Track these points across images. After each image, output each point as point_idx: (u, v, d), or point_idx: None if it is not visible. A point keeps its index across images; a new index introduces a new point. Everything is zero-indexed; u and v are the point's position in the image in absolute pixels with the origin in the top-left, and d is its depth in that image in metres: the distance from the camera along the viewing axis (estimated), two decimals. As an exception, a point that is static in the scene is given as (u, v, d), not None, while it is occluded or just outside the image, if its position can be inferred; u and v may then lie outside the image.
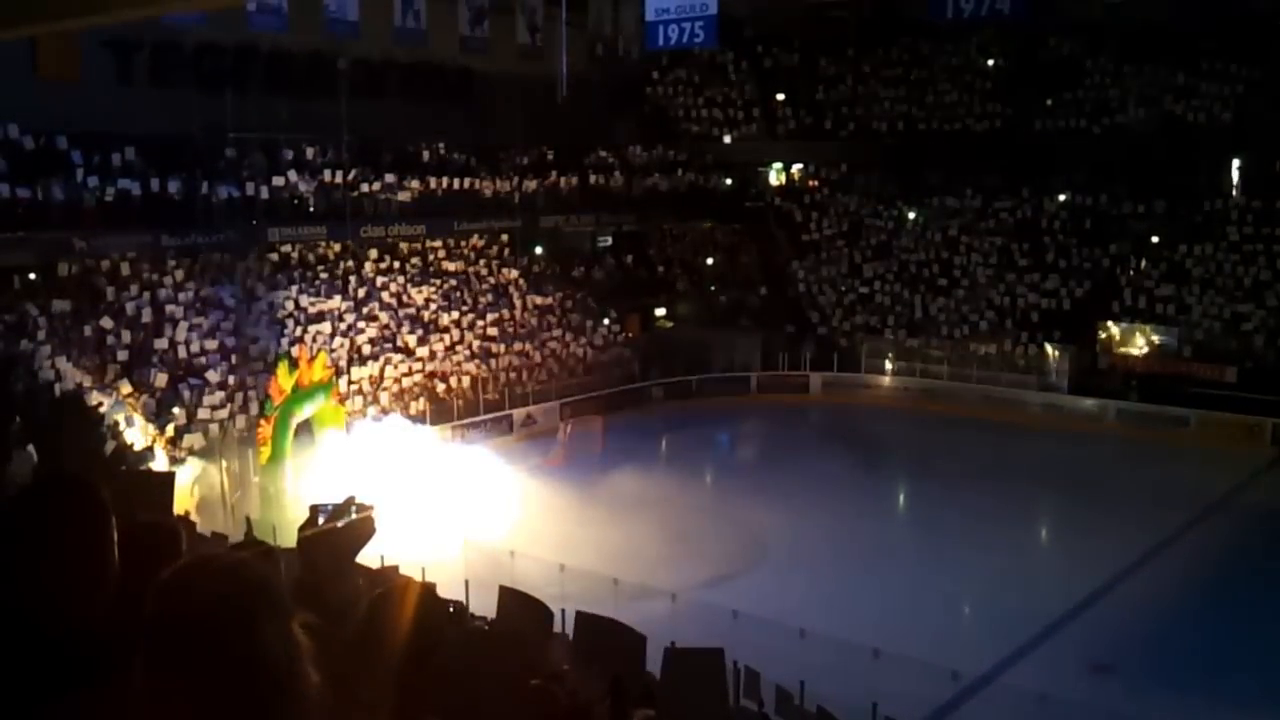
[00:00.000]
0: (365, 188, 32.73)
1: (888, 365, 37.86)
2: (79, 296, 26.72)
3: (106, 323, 26.30)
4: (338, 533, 2.79)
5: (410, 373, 30.78)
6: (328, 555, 2.75)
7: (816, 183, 45.20)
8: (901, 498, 29.61)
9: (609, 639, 12.05)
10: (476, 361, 32.60)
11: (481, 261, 37.13)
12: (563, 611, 13.46)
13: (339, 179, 32.01)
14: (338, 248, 33.14)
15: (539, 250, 39.44)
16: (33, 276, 26.49)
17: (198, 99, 29.47)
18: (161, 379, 25.86)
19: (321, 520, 2.79)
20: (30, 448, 21.62)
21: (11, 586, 1.91)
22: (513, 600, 12.53)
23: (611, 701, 8.92)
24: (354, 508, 2.82)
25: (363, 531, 2.83)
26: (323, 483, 21.18)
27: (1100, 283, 37.23)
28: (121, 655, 1.67)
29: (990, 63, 43.20)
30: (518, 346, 34.17)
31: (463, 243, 37.07)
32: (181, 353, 26.93)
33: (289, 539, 2.98)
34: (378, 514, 2.86)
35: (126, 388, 25.05)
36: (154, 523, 2.34)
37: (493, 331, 34.15)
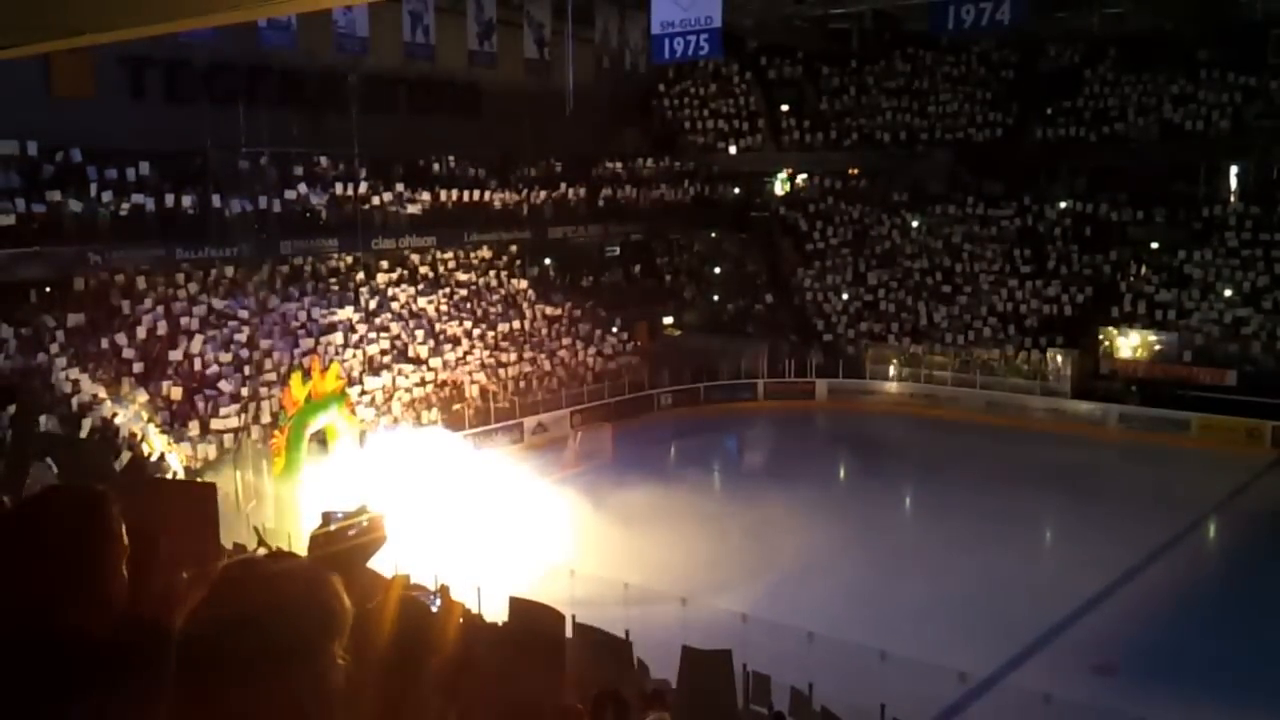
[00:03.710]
0: (376, 200, 33.10)
1: (892, 371, 38.14)
2: (94, 310, 27.08)
3: (121, 336, 26.68)
4: (349, 540, 2.89)
5: (422, 383, 31.14)
6: (339, 562, 2.77)
7: (824, 183, 45.53)
8: (906, 502, 29.81)
9: (598, 645, 12.29)
10: (487, 371, 32.96)
11: (491, 272, 37.54)
12: (573, 617, 13.83)
13: (350, 192, 32.37)
14: (349, 260, 33.50)
15: (548, 261, 39.79)
16: (48, 290, 26.81)
17: (210, 114, 29.79)
18: (176, 391, 26.25)
19: (333, 527, 2.92)
20: (49, 460, 21.98)
21: (11, 594, 1.89)
22: (528, 611, 12.79)
23: (614, 714, 8.84)
24: (365, 515, 2.97)
25: (374, 539, 2.93)
26: (337, 492, 21.51)
27: (1101, 288, 37.50)
28: (130, 665, 1.71)
29: (990, 72, 43.55)
30: (528, 355, 34.53)
31: (473, 254, 37.45)
32: (196, 365, 27.31)
33: (302, 548, 3.15)
34: (389, 522, 3.02)
35: (142, 399, 25.43)
36: (132, 529, 2.23)
37: (503, 341, 34.53)
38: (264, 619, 1.57)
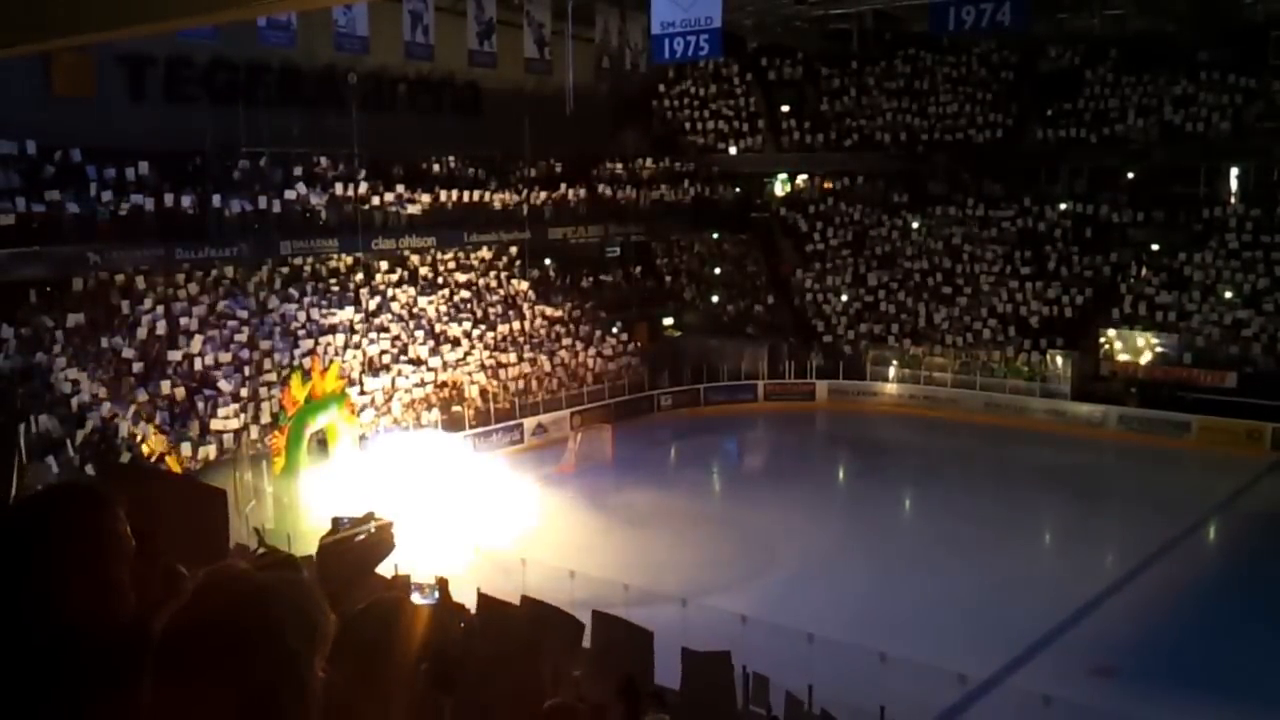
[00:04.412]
0: (376, 201, 33.09)
1: (892, 373, 38.12)
2: (93, 310, 27.05)
3: (120, 336, 26.66)
4: (357, 545, 2.90)
5: (422, 384, 31.11)
6: (346, 566, 2.76)
7: (828, 186, 45.52)
8: (906, 504, 29.83)
9: (617, 636, 12.33)
10: (487, 372, 32.94)
11: (491, 273, 37.51)
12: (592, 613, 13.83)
13: (350, 192, 32.36)
14: (349, 260, 33.48)
15: (548, 261, 39.78)
16: (48, 290, 26.77)
17: (210, 114, 29.87)
18: (177, 391, 26.22)
19: (340, 533, 2.93)
20: (50, 459, 21.95)
21: (11, 592, 1.86)
22: (538, 612, 12.77)
23: (625, 704, 8.83)
24: (373, 522, 2.97)
25: (382, 546, 2.88)
26: (337, 493, 21.52)
27: (1101, 290, 37.50)
28: (121, 666, 1.67)
29: (991, 74, 43.55)
30: (528, 356, 34.51)
31: (473, 255, 37.43)
32: (195, 365, 27.29)
33: (302, 549, 3.14)
34: (397, 529, 3.03)
35: (142, 399, 25.40)
36: (138, 528, 2.16)
37: (503, 342, 34.51)
38: (243, 626, 1.55)
